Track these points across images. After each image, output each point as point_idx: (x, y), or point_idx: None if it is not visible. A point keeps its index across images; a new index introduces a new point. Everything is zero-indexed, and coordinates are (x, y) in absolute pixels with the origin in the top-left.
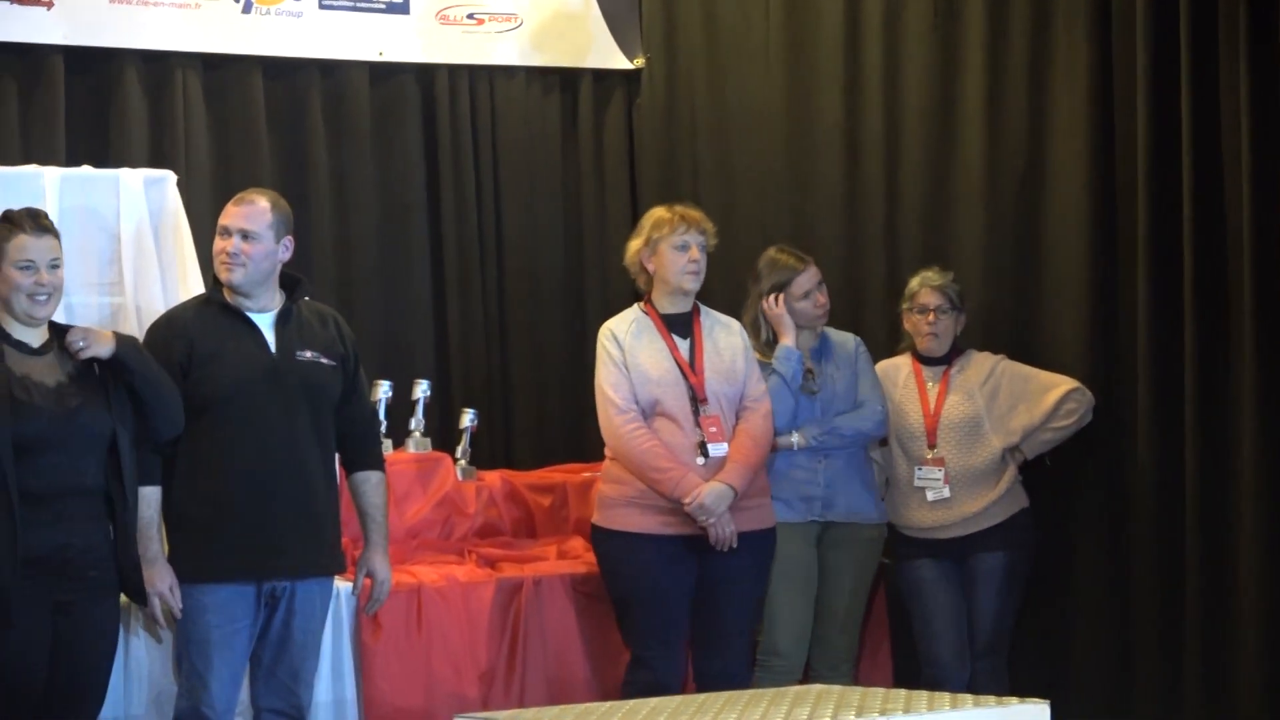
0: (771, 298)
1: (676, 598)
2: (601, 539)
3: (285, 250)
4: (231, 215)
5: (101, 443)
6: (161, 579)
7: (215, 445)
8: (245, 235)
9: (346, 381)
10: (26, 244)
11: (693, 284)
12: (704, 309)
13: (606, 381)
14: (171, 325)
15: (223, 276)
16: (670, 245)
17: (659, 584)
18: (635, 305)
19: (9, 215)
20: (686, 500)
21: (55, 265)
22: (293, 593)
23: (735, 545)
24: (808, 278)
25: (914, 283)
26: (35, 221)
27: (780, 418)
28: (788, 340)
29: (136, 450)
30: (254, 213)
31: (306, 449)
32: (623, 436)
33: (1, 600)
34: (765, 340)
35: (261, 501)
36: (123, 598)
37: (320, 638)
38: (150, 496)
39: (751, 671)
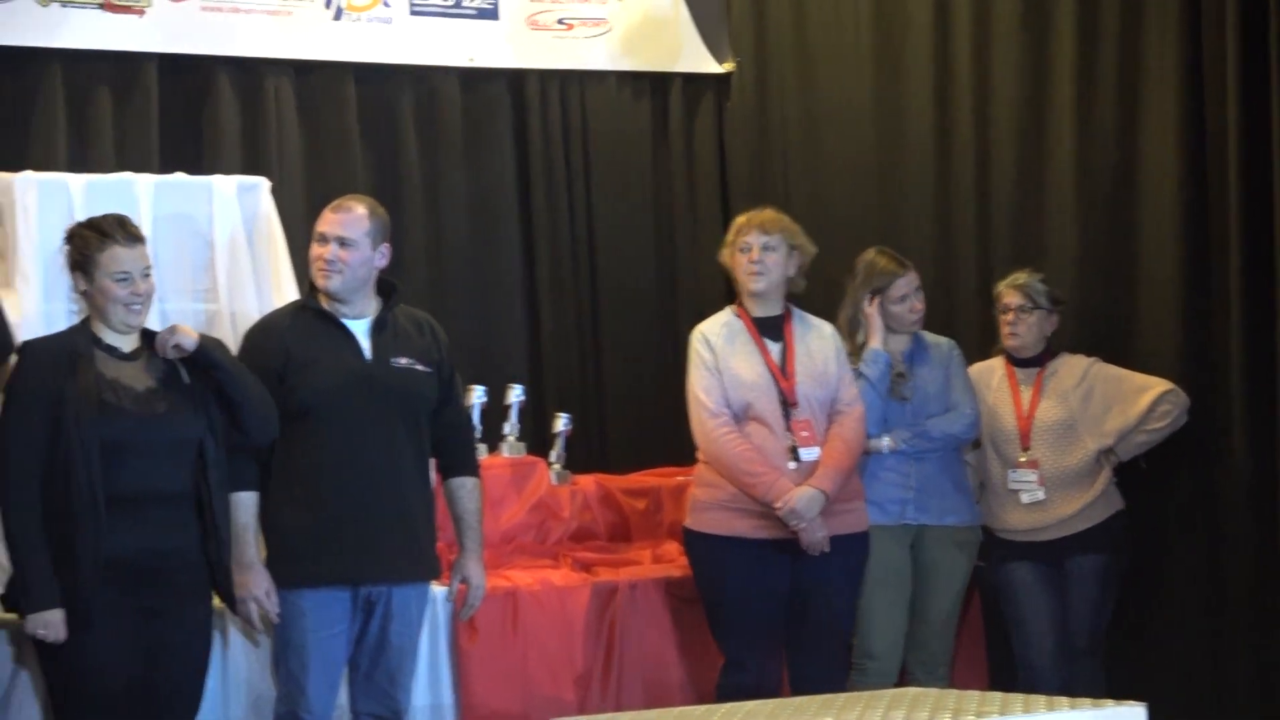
0: (867, 299)
1: (769, 601)
2: (694, 542)
3: (382, 257)
4: (329, 222)
5: (189, 448)
6: (258, 584)
7: (311, 451)
8: (342, 242)
9: (442, 387)
10: (120, 255)
11: (755, 284)
12: (796, 312)
13: (698, 385)
14: (267, 332)
15: (320, 283)
16: (736, 248)
17: (751, 587)
18: (727, 308)
19: (97, 225)
20: (778, 505)
21: (147, 274)
22: (389, 597)
23: (827, 550)
24: (906, 282)
25: (1000, 284)
26: (125, 230)
27: (868, 421)
28: (876, 343)
29: (232, 456)
30: (351, 220)
31: (401, 455)
32: (715, 440)
33: (80, 602)
34: (861, 342)
35: (357, 507)
36: (217, 602)
37: (417, 642)
38: (247, 502)
39: (846, 675)
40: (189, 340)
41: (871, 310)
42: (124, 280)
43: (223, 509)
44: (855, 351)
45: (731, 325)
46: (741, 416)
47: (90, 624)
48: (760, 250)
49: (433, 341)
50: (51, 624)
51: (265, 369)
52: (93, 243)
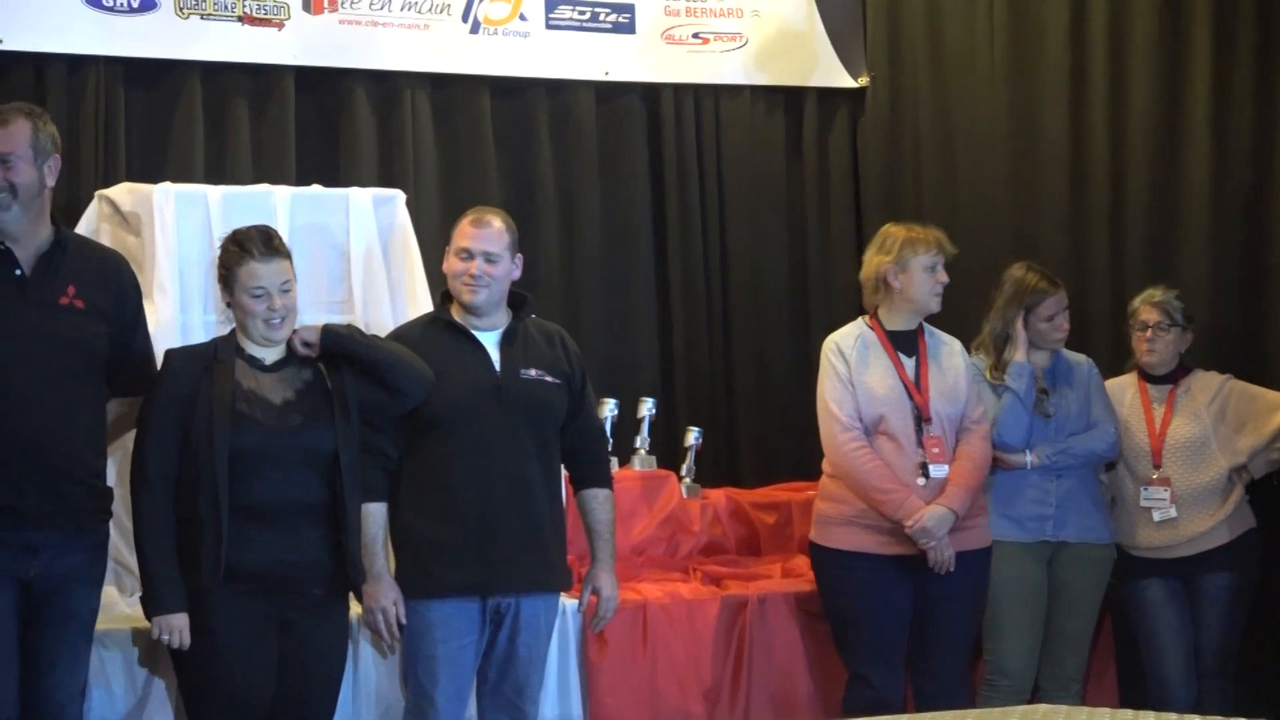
0: (1020, 316)
1: (895, 616)
2: (820, 557)
3: (518, 268)
4: (473, 237)
5: (323, 460)
6: (386, 595)
7: (440, 462)
8: (488, 257)
9: (573, 399)
10: (257, 271)
11: (938, 306)
12: (927, 327)
13: (831, 397)
14: (399, 343)
15: (466, 298)
16: (922, 265)
17: (877, 602)
18: (859, 320)
19: (239, 239)
20: (909, 523)
21: (286, 289)
22: (517, 609)
23: (953, 568)
24: (1056, 301)
25: (1136, 301)
26: (267, 245)
27: (1014, 434)
28: (1020, 356)
29: (362, 467)
30: (494, 234)
31: (530, 466)
32: (846, 454)
33: (204, 609)
34: (1004, 356)
35: (486, 518)
36: (353, 612)
37: (545, 654)
38: (376, 513)
39: (969, 689)
40: (311, 333)
41: (1018, 326)
42: (260, 296)
43: (355, 520)
44: (999, 366)
45: (865, 337)
46: (872, 430)
47: (214, 632)
48: (945, 274)
49: (563, 353)
50: (174, 628)
51: None
52: (233, 257)
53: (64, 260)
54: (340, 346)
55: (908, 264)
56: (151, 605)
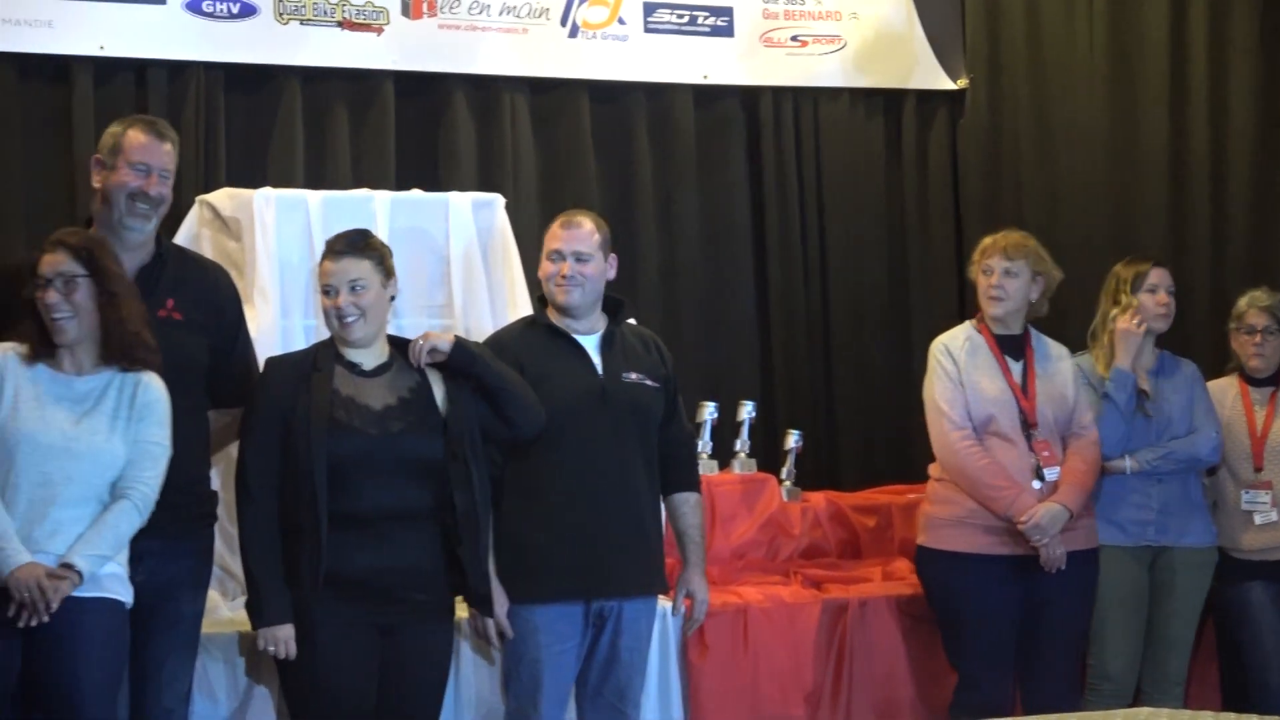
0: (1128, 315)
1: (1004, 618)
2: (928, 560)
3: (612, 268)
4: (562, 238)
5: (427, 467)
6: (495, 601)
7: (546, 467)
8: (579, 257)
9: (667, 403)
10: (328, 268)
11: (993, 309)
12: (1034, 333)
13: (941, 397)
14: (500, 348)
15: (560, 299)
16: (980, 268)
17: (988, 604)
18: (967, 322)
19: (329, 240)
20: (1022, 519)
21: (358, 287)
22: (620, 612)
23: (1064, 567)
24: (1157, 275)
25: (1241, 303)
26: (344, 243)
27: (1110, 444)
28: (1122, 361)
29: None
30: (584, 234)
31: (634, 469)
32: (958, 452)
33: (306, 617)
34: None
35: (592, 522)
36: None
37: (646, 657)
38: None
39: (1080, 694)
40: (445, 343)
41: (1127, 325)
42: (329, 292)
43: (470, 528)
44: (1107, 365)
45: (974, 339)
46: (982, 430)
47: (315, 640)
48: (1001, 275)
49: (659, 358)
50: (281, 639)
51: None
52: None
53: (164, 273)
54: (468, 363)
55: (979, 269)
56: (257, 616)
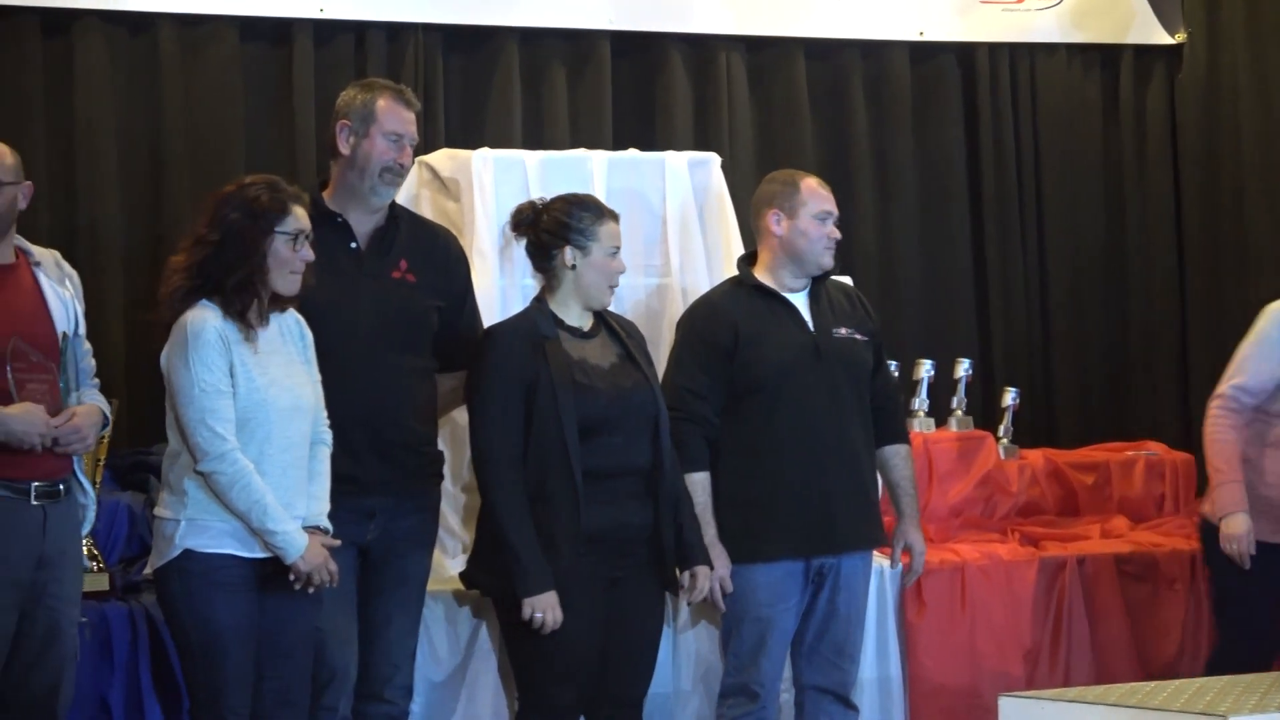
0: None
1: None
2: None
3: None
4: (829, 200)
5: (651, 422)
6: (719, 563)
7: (765, 426)
8: (836, 220)
9: (875, 356)
10: (615, 233)
11: None
12: None
13: (1244, 355)
14: (713, 310)
15: (827, 262)
16: None
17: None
18: None
19: (593, 203)
20: (1219, 516)
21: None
22: (838, 568)
23: (1247, 566)
24: None
25: None
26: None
27: None
28: None
29: (686, 435)
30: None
31: (851, 424)
32: (1208, 417)
33: (561, 580)
34: None
35: (813, 478)
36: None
37: (864, 612)
38: (704, 482)
39: None
40: None
41: None
42: (614, 254)
43: (678, 484)
44: None
45: None
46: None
47: (570, 604)
48: None
49: (864, 312)
50: (548, 607)
51: (715, 346)
52: (592, 219)
53: (397, 235)
54: None
55: None
56: (520, 587)
